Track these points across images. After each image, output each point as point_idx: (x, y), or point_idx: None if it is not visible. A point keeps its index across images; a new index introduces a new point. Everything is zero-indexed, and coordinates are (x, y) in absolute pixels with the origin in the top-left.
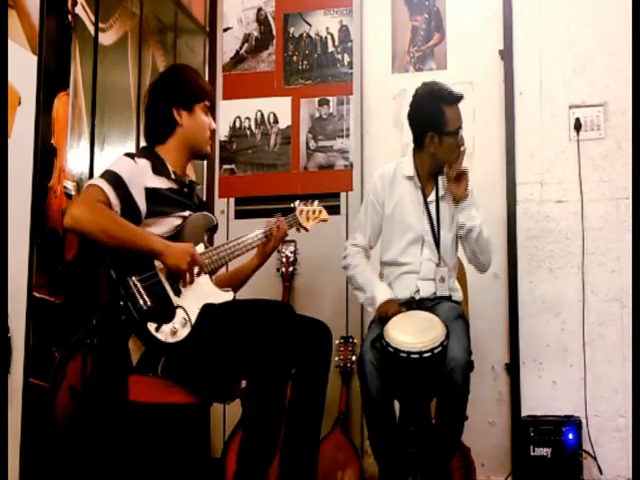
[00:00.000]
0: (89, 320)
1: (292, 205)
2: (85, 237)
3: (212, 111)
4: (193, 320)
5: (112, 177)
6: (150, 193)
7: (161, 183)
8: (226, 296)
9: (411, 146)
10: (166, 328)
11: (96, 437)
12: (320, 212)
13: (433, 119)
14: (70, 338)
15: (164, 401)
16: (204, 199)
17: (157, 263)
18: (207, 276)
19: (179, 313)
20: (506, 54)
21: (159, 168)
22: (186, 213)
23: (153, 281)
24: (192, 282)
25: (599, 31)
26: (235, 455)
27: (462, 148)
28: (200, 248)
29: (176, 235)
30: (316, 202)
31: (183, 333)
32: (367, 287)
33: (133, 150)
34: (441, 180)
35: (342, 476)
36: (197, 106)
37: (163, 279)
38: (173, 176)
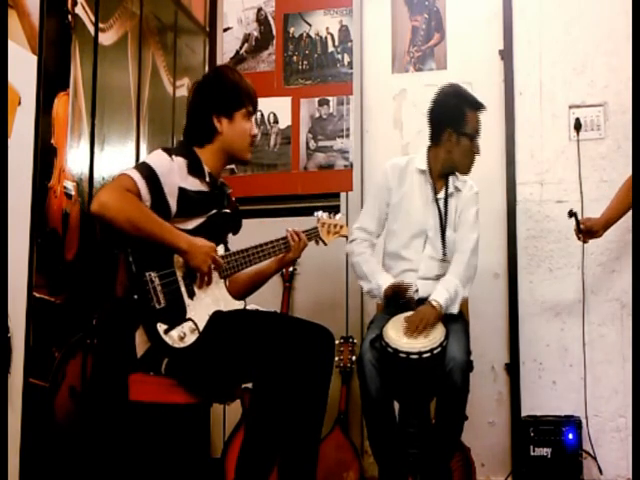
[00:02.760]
0: (89, 320)
1: (315, 214)
2: (110, 225)
3: (254, 112)
4: (202, 327)
5: (146, 170)
6: (182, 193)
7: (195, 185)
8: (236, 304)
9: (412, 145)
10: (174, 333)
11: (96, 437)
12: (341, 227)
13: (454, 117)
14: (70, 338)
15: (164, 401)
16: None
17: (176, 258)
18: (221, 281)
19: (189, 316)
20: (506, 54)
21: (195, 168)
22: (212, 212)
23: (170, 280)
24: (209, 283)
25: (599, 31)
26: (235, 455)
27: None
28: (220, 250)
29: (197, 232)
30: (339, 215)
31: (191, 339)
32: (371, 277)
33: (133, 150)
34: (451, 179)
35: (342, 476)
36: (238, 113)
37: (180, 278)
38: (208, 178)
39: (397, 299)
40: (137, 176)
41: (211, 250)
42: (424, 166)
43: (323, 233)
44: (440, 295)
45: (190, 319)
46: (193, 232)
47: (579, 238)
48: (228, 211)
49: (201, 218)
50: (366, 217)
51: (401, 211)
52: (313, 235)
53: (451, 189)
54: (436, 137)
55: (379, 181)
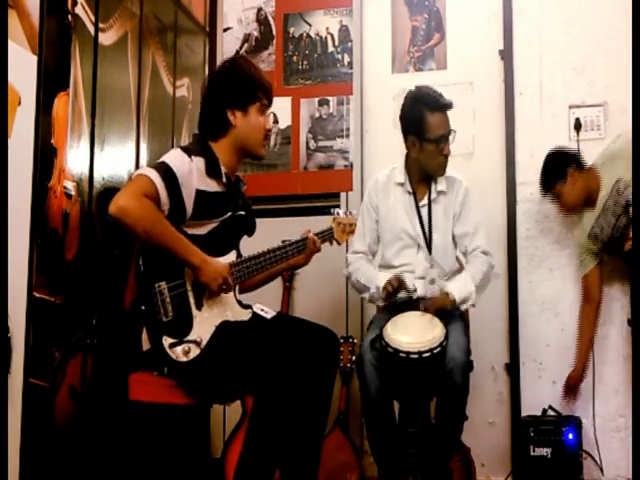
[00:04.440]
0: (89, 320)
1: (331, 211)
2: (125, 229)
3: (269, 105)
4: (207, 339)
5: (166, 172)
6: (199, 196)
7: (212, 186)
8: (244, 314)
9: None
10: (179, 349)
11: (96, 437)
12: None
13: (414, 124)
14: (70, 338)
15: (164, 401)
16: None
17: (187, 269)
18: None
19: (195, 332)
20: (506, 54)
21: (212, 169)
22: (226, 216)
23: (179, 291)
24: (218, 295)
25: (599, 31)
26: (235, 455)
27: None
28: (232, 257)
29: (210, 237)
30: (354, 212)
31: (195, 352)
32: (370, 283)
33: (133, 150)
34: (433, 184)
35: (342, 477)
36: (252, 107)
37: (189, 289)
38: (224, 179)
39: (396, 293)
40: (157, 179)
41: (222, 270)
42: (401, 178)
43: (338, 233)
44: (457, 291)
45: (194, 340)
46: (206, 237)
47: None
48: (242, 213)
49: (214, 222)
50: (357, 240)
51: (390, 225)
52: (327, 236)
53: (434, 194)
54: (405, 144)
55: (365, 202)
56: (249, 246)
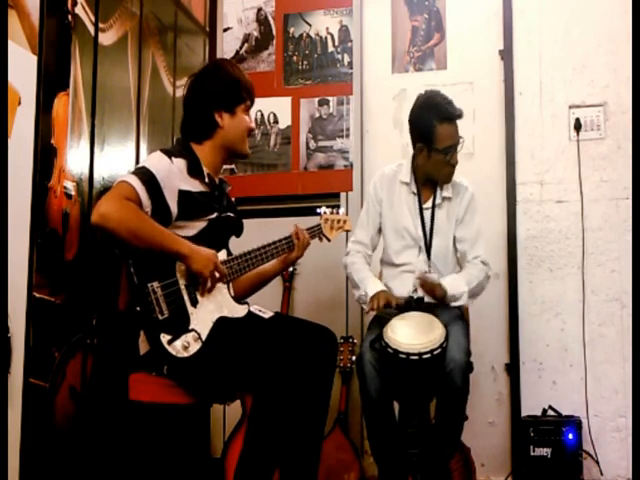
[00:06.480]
0: (89, 320)
1: (317, 211)
2: (111, 235)
3: (252, 105)
4: (205, 335)
5: (145, 175)
6: (183, 196)
7: (194, 186)
8: (240, 310)
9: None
10: (178, 343)
11: (96, 437)
12: (345, 222)
13: (423, 132)
14: (70, 338)
15: (164, 401)
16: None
17: (178, 267)
18: (224, 286)
19: (193, 326)
20: (506, 54)
21: (194, 169)
22: (213, 215)
23: (172, 289)
24: (211, 290)
25: (599, 31)
26: (235, 455)
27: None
28: (222, 255)
29: (199, 238)
30: (342, 210)
31: (194, 348)
32: (361, 284)
33: (133, 150)
34: (439, 190)
35: (342, 477)
36: (239, 107)
37: (182, 287)
38: (207, 179)
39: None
40: (137, 183)
41: (212, 256)
42: (407, 178)
43: (326, 229)
44: (449, 286)
45: (193, 329)
46: (195, 238)
47: None
48: (230, 214)
49: (202, 222)
50: (360, 230)
51: (392, 222)
52: (316, 232)
53: (439, 199)
54: (413, 148)
55: (370, 194)
56: (249, 247)
